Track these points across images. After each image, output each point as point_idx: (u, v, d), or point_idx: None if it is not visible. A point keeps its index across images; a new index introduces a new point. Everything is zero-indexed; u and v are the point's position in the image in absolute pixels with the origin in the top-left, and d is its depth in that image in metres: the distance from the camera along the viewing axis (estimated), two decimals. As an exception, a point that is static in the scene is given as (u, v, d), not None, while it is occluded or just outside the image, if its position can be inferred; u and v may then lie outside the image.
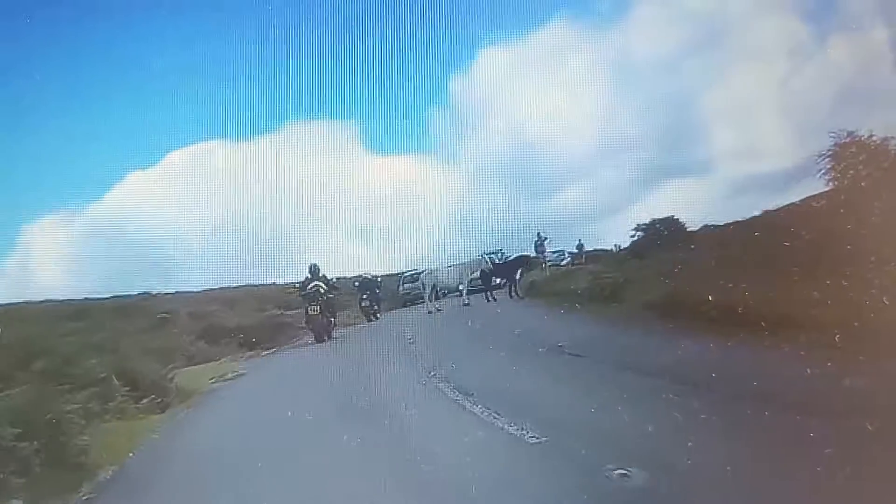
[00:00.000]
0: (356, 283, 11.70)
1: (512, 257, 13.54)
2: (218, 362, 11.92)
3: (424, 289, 13.44)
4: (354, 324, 12.54)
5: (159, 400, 9.71)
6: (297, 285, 10.60)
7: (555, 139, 9.42)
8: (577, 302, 10.45)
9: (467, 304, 13.59)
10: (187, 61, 9.20)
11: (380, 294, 12.19)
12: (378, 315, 12.28)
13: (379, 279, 12.08)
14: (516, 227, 9.90)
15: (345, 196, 9.22)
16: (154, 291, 10.90)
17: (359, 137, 9.54)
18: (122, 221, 9.73)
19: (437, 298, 13.50)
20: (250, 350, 12.12)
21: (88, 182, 9.67)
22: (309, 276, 10.18)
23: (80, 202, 9.75)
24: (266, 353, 12.44)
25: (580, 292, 10.89)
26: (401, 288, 13.59)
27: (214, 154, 9.23)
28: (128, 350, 9.87)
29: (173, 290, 11.11)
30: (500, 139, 9.46)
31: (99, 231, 9.65)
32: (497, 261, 13.37)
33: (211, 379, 11.34)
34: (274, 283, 12.23)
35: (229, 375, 11.56)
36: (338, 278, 11.06)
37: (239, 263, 9.56)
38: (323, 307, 10.29)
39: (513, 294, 13.83)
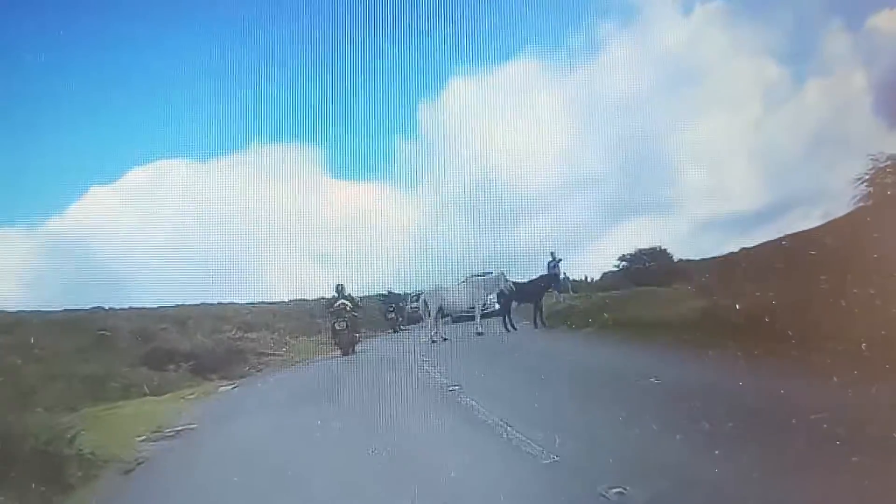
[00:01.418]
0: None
1: (536, 276, 11.41)
2: (160, 399, 9.74)
3: (427, 311, 11.33)
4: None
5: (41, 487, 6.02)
6: (324, 302, 10.71)
7: (521, 172, 9.42)
8: (632, 334, 8.78)
9: (480, 334, 11.18)
10: (151, 79, 9.16)
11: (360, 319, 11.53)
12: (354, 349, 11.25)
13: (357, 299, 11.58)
14: (479, 256, 9.66)
15: (306, 220, 9.29)
16: (107, 306, 10.49)
17: (323, 162, 9.59)
18: (82, 236, 9.63)
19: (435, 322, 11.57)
20: (205, 380, 10.38)
21: (49, 196, 9.57)
22: (335, 293, 10.33)
23: (40, 216, 9.61)
24: (225, 386, 10.37)
25: (625, 321, 9.13)
26: (408, 308, 12.68)
27: (176, 172, 9.23)
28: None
29: (127, 306, 10.60)
30: (465, 169, 9.39)
31: (58, 245, 9.55)
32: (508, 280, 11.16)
33: (141, 436, 7.98)
34: (232, 303, 11.76)
35: (168, 431, 8.23)
36: (362, 297, 11.08)
37: (197, 281, 9.55)
38: (349, 323, 10.38)
39: (538, 323, 11.40)
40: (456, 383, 8.58)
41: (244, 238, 9.38)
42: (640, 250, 11.22)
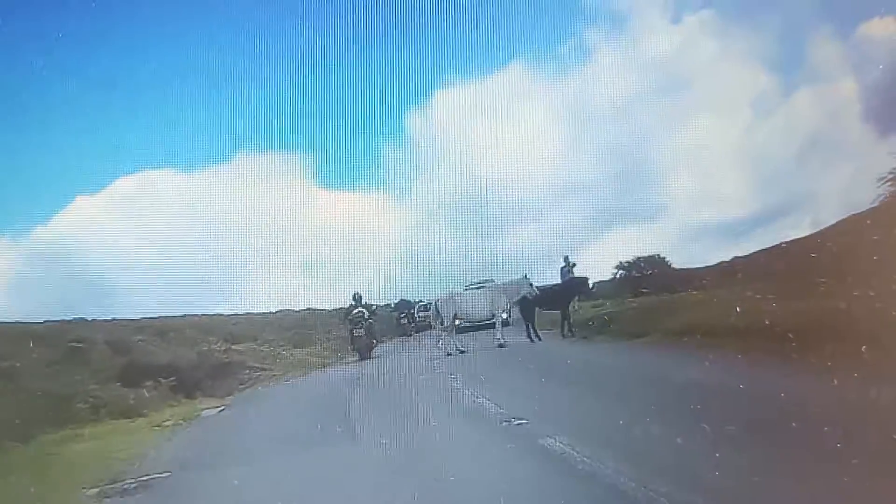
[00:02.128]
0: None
1: (562, 280, 10.37)
2: (132, 423, 8.42)
3: (439, 320, 10.29)
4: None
5: None
6: (343, 310, 10.68)
7: (511, 179, 9.16)
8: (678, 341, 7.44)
9: (503, 345, 9.97)
10: (138, 89, 9.12)
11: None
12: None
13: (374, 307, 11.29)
14: (467, 264, 9.40)
15: (295, 229, 9.03)
16: (90, 317, 10.04)
17: (311, 171, 9.49)
18: (68, 246, 9.46)
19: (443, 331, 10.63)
20: (186, 398, 9.24)
21: (35, 205, 9.53)
22: (353, 302, 10.40)
23: (26, 225, 9.44)
24: (210, 408, 9.09)
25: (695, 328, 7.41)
26: (416, 317, 12.17)
27: (163, 181, 9.19)
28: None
29: (111, 317, 10.12)
30: (456, 177, 9.28)
31: (44, 255, 9.33)
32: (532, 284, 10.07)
33: (93, 487, 5.80)
34: (219, 314, 11.16)
35: (129, 482, 5.92)
36: (377, 305, 11.03)
37: (182, 291, 9.31)
38: (366, 330, 10.50)
39: (566, 332, 10.20)
40: (519, 416, 6.37)
41: (231, 247, 9.25)
42: (651, 256, 10.74)
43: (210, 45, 8.89)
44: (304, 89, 8.72)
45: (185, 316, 10.72)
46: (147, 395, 9.07)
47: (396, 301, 11.70)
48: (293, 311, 11.26)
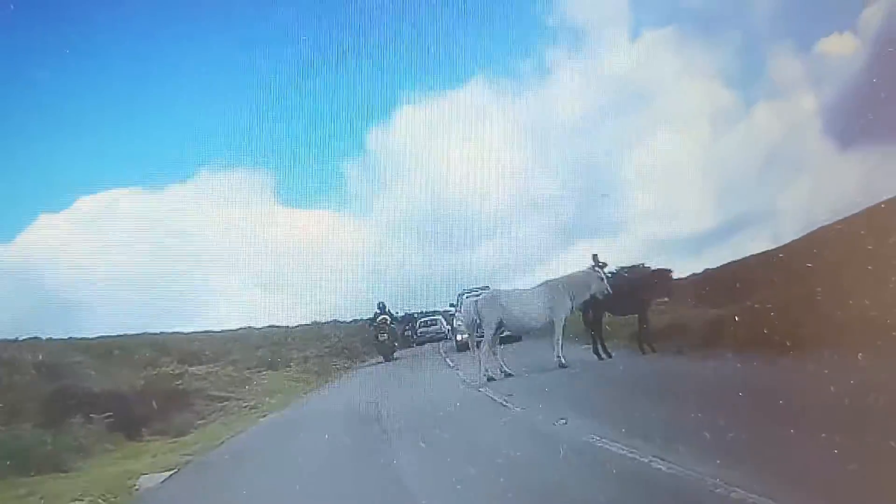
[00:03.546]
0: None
1: (642, 273, 8.41)
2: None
3: (475, 328, 8.18)
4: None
5: None
6: (367, 319, 11.28)
7: (471, 195, 9.35)
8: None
9: (564, 366, 7.86)
10: (99, 105, 9.08)
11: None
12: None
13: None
14: (430, 280, 9.16)
15: (256, 246, 9.00)
16: (45, 336, 9.40)
17: (273, 188, 9.51)
18: (28, 264, 9.14)
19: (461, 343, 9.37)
20: (128, 439, 7.26)
21: None
22: (378, 310, 10.94)
23: None
24: (152, 475, 6.20)
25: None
26: (417, 332, 12.02)
27: (124, 199, 9.12)
28: None
29: (66, 336, 9.53)
30: (417, 194, 9.47)
31: (3, 273, 9.09)
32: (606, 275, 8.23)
33: None
34: (178, 332, 10.00)
35: None
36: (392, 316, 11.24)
37: (143, 310, 9.00)
38: (389, 335, 11.19)
39: (645, 345, 7.99)
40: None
41: (192, 264, 9.13)
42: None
43: (170, 64, 9.03)
44: (265, 106, 8.74)
45: (143, 334, 9.77)
46: (73, 436, 6.78)
47: (401, 314, 11.58)
48: (255, 328, 10.59)
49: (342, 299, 9.99)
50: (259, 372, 9.87)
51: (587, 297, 8.19)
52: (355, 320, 11.60)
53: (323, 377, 10.51)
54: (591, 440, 5.12)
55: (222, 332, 10.36)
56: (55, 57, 8.88)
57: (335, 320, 11.42)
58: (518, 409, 6.44)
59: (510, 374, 7.85)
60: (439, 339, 11.87)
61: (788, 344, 6.10)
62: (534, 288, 8.25)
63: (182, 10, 9.06)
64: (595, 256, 8.85)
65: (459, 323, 10.03)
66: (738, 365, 6.26)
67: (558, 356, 7.90)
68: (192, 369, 9.25)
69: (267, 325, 10.51)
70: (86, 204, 9.26)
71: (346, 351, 11.77)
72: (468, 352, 8.75)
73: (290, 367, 10.51)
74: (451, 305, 11.06)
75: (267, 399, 9.22)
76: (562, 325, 8.02)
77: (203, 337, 10.07)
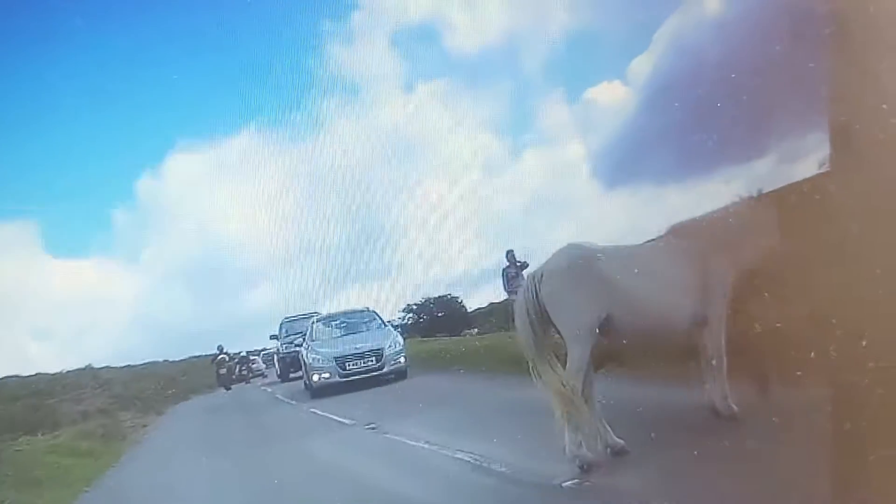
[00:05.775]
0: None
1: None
2: None
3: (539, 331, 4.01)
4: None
5: None
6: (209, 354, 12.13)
7: (243, 242, 9.57)
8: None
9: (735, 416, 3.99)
10: None
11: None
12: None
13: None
14: (201, 327, 10.05)
15: (22, 298, 9.06)
16: None
17: (38, 238, 9.30)
18: None
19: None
20: None
21: None
22: (217, 350, 11.92)
23: None
24: None
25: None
26: (280, 347, 11.49)
27: None
28: None
29: None
30: (186, 241, 9.84)
31: None
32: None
33: None
34: None
35: None
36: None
37: None
38: (227, 370, 12.13)
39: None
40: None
41: None
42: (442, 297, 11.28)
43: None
44: (31, 151, 8.53)
45: None
46: None
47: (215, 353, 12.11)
48: (21, 375, 9.77)
49: (111, 347, 10.17)
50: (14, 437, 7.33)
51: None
52: (128, 365, 10.91)
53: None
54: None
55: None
56: None
57: (227, 352, 11.79)
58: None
59: (626, 450, 4.17)
60: (256, 377, 12.50)
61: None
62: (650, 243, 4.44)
63: None
64: (510, 253, 8.69)
65: (316, 356, 8.77)
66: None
67: (725, 397, 4.18)
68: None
69: (34, 372, 9.62)
70: None
71: (137, 402, 10.48)
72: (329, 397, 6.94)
73: (61, 427, 8.36)
74: (272, 337, 11.05)
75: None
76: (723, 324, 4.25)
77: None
